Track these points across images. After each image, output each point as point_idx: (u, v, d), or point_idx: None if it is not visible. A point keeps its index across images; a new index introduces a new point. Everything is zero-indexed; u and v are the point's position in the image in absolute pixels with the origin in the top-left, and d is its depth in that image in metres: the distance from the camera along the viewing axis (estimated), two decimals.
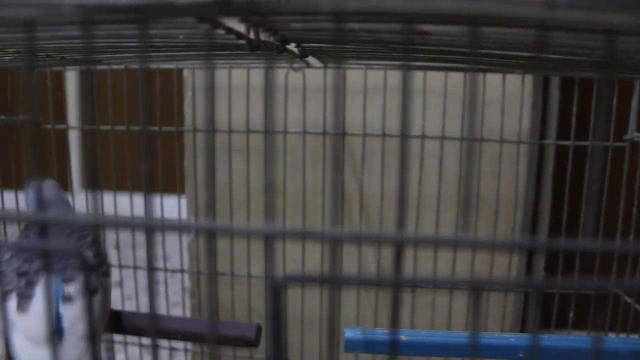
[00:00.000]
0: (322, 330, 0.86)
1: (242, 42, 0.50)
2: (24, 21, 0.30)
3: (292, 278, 0.30)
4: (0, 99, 0.78)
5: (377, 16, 0.29)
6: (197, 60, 0.71)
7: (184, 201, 0.88)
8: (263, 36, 0.52)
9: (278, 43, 0.50)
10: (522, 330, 0.91)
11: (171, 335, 0.60)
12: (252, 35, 0.50)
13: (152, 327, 0.31)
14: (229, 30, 0.45)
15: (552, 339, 0.56)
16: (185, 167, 0.87)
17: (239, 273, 0.84)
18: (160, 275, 0.90)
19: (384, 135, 0.78)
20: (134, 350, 0.98)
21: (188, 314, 0.92)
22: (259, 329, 0.59)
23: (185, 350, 0.91)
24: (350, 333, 0.58)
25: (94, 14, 0.29)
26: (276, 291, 0.29)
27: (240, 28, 0.44)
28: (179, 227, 0.29)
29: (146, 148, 0.30)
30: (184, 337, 0.59)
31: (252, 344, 0.59)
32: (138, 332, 0.59)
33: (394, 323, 0.32)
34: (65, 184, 0.86)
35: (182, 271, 0.87)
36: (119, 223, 0.31)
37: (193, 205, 0.86)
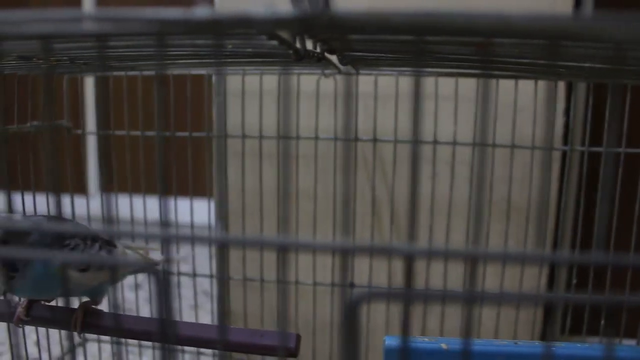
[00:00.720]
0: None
1: (290, 51, 0.50)
2: (98, 35, 0.30)
3: (373, 294, 0.30)
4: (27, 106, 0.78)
5: (455, 32, 0.29)
6: (236, 66, 0.71)
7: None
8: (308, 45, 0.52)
9: (321, 53, 0.50)
10: (543, 338, 0.90)
11: (211, 344, 0.60)
12: (298, 45, 0.50)
13: (222, 338, 0.31)
14: (283, 41, 0.45)
15: (596, 348, 0.55)
16: (213, 172, 0.87)
17: (268, 279, 0.84)
18: (183, 280, 0.90)
19: (416, 141, 0.78)
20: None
21: (215, 319, 0.92)
22: (298, 338, 0.59)
23: (213, 356, 0.91)
24: (390, 341, 0.58)
25: (172, 29, 0.29)
26: (353, 308, 0.29)
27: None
28: (260, 243, 0.29)
29: (224, 158, 0.30)
30: (226, 346, 0.59)
31: (292, 354, 0.58)
32: (192, 342, 0.58)
33: (467, 334, 0.32)
34: (82, 187, 0.86)
35: (211, 276, 0.87)
36: (195, 237, 0.31)
37: (222, 209, 0.86)
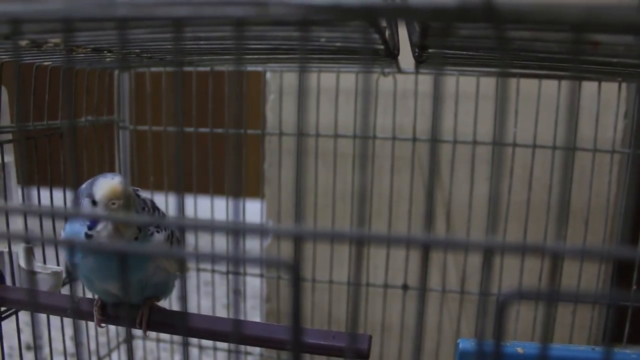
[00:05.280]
0: (402, 338, 0.85)
1: (381, 46, 0.49)
2: (237, 20, 0.29)
3: (517, 295, 0.29)
4: (84, 101, 0.77)
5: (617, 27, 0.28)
6: (311, 64, 0.70)
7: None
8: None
9: (418, 49, 0.49)
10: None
11: (281, 345, 0.59)
12: (391, 41, 0.49)
13: (295, 339, 0.30)
14: (382, 35, 0.44)
15: None
16: (265, 170, 0.86)
17: (320, 279, 0.83)
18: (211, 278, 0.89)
19: (475, 142, 0.77)
20: (193, 350, 0.98)
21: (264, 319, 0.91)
22: (370, 340, 0.57)
23: (261, 355, 0.90)
24: (464, 344, 0.57)
25: (316, 14, 0.28)
26: (502, 309, 0.28)
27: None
28: (332, 235, 0.28)
29: (300, 155, 0.29)
30: (299, 347, 0.57)
31: (363, 355, 0.57)
32: (261, 342, 0.57)
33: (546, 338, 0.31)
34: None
35: (261, 276, 0.86)
36: (265, 229, 0.30)
37: (274, 209, 0.85)
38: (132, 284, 0.55)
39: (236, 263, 0.30)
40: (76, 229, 0.51)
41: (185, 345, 0.33)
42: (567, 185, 0.28)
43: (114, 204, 0.49)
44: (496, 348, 0.29)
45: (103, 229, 0.50)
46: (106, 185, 0.49)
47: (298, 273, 0.28)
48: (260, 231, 0.28)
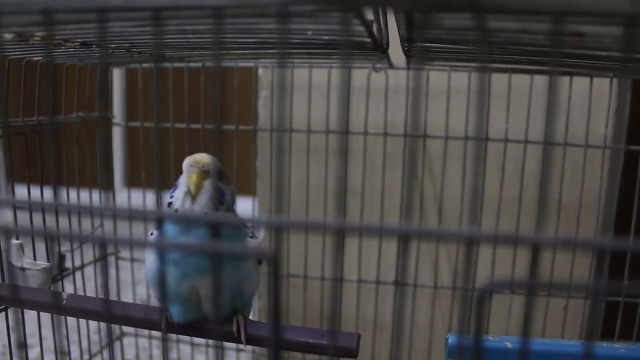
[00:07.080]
0: (394, 334, 0.85)
1: (368, 40, 0.49)
2: (214, 9, 0.29)
3: (499, 285, 0.29)
4: (75, 97, 0.77)
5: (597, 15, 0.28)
6: (295, 59, 0.70)
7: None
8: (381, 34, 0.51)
9: (406, 42, 0.49)
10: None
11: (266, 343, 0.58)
12: (379, 35, 0.48)
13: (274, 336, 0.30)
14: (369, 28, 0.44)
15: None
16: (257, 166, 0.86)
17: (312, 275, 0.83)
18: None
19: (466, 138, 0.77)
20: (185, 348, 0.98)
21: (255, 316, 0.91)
22: (359, 338, 0.57)
23: (253, 352, 0.90)
24: (454, 339, 0.57)
25: (296, 3, 0.28)
26: (482, 300, 0.28)
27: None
28: (321, 226, 0.27)
29: (288, 151, 0.29)
30: (285, 345, 0.57)
31: (352, 354, 0.56)
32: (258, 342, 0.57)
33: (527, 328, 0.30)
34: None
35: None
36: (254, 220, 0.30)
37: (266, 205, 0.85)
38: (225, 287, 0.52)
39: (216, 255, 0.29)
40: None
41: (164, 341, 0.32)
42: (547, 176, 0.28)
43: (193, 166, 0.50)
44: (476, 338, 0.29)
45: (179, 192, 0.49)
46: (192, 156, 0.52)
47: (277, 263, 0.28)
48: (238, 224, 0.28)
